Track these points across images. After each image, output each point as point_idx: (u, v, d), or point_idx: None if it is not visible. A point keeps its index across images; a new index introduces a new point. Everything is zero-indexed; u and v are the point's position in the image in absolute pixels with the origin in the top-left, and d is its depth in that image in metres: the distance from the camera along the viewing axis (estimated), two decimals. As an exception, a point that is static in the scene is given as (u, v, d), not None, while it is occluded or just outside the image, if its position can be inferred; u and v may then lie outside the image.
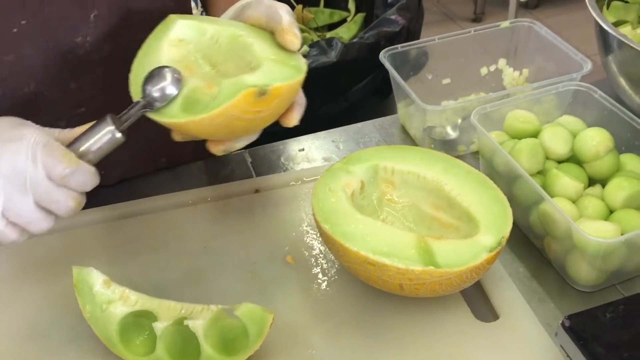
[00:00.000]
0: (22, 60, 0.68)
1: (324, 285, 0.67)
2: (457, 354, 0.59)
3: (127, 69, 0.75)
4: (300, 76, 0.60)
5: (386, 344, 0.61)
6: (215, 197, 0.78)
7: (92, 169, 0.57)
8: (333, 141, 0.90)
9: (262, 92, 0.56)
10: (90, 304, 0.59)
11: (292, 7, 2.00)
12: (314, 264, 0.69)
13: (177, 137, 0.62)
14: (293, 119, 0.63)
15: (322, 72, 1.47)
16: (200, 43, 0.63)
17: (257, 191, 0.79)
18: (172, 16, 0.64)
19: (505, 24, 0.91)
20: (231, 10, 0.66)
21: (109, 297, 0.59)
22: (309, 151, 0.89)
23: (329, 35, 1.94)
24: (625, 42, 0.74)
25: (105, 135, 0.57)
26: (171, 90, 0.58)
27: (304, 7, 2.03)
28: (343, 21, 2.02)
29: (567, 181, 0.67)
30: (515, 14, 2.48)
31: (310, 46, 1.50)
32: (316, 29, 2.02)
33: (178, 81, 0.59)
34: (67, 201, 0.56)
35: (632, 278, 0.67)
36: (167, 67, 0.59)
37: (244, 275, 0.68)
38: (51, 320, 0.64)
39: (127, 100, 0.72)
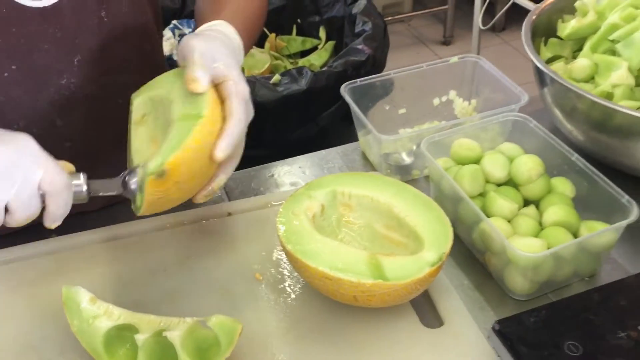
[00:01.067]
0: (12, 101, 0.75)
1: (288, 299, 0.74)
2: (405, 358, 0.67)
3: (109, 107, 0.83)
4: (198, 122, 0.63)
5: (344, 350, 0.68)
6: (190, 221, 0.86)
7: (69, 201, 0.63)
8: (300, 167, 0.98)
9: (160, 174, 0.61)
10: (78, 319, 0.66)
11: (266, 36, 2.10)
12: (280, 280, 0.77)
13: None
14: (221, 149, 0.65)
15: (294, 100, 1.56)
16: (156, 110, 0.70)
17: (229, 214, 0.87)
18: (133, 95, 0.71)
19: (454, 59, 1.00)
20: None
21: (95, 313, 0.67)
22: (278, 177, 0.97)
23: (301, 62, 2.03)
24: (555, 78, 0.84)
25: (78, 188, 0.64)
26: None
27: (276, 35, 2.13)
28: (315, 48, 2.12)
29: (502, 203, 0.76)
30: (478, 38, 2.59)
31: (282, 75, 1.59)
32: (289, 56, 2.11)
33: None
34: (35, 211, 0.61)
35: (562, 287, 0.75)
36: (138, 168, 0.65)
37: (217, 292, 0.76)
38: (42, 335, 0.71)
39: (108, 135, 0.79)
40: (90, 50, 0.78)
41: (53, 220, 0.63)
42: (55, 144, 0.80)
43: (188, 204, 0.91)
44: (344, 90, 0.95)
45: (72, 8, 0.75)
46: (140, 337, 0.65)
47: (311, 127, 1.62)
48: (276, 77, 1.57)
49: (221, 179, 0.71)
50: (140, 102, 0.72)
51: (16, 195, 0.59)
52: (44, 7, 0.73)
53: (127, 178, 0.66)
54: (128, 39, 0.82)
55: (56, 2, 0.74)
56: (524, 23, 0.95)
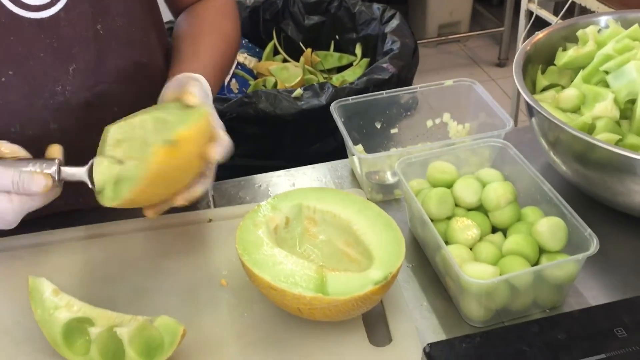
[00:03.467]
0: (8, 105, 0.81)
1: (248, 306, 0.77)
2: (344, 372, 0.68)
3: (103, 114, 0.87)
4: (203, 117, 0.72)
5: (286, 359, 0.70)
6: (172, 224, 0.89)
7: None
8: (289, 180, 1.01)
9: (168, 143, 0.68)
10: (41, 309, 0.71)
11: (302, 51, 2.14)
12: (244, 288, 0.79)
13: (148, 214, 0.75)
14: (213, 154, 0.73)
15: (314, 114, 1.59)
16: (133, 135, 0.75)
17: (210, 220, 0.90)
18: (106, 128, 0.77)
19: (448, 82, 1.01)
20: (165, 89, 0.80)
21: (56, 304, 0.71)
22: (266, 187, 0.99)
23: (335, 78, 2.06)
24: (537, 108, 0.83)
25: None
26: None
27: (314, 50, 2.17)
28: (351, 64, 2.15)
29: (463, 229, 0.76)
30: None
31: (305, 89, 1.62)
32: (324, 71, 2.15)
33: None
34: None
35: (521, 317, 0.75)
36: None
37: (182, 294, 0.79)
38: (14, 320, 0.76)
39: (97, 138, 0.84)
40: (85, 60, 0.83)
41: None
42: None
43: (175, 208, 0.96)
44: (334, 107, 0.97)
45: (69, 20, 0.80)
46: (94, 331, 0.69)
47: (330, 142, 1.64)
48: (298, 91, 1.60)
49: (198, 189, 0.75)
50: (115, 129, 0.76)
51: None
52: (42, 18, 0.78)
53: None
54: (124, 51, 0.86)
55: (54, 14, 0.79)
56: (518, 51, 0.95)
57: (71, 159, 0.86)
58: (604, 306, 0.66)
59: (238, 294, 0.79)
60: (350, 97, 0.99)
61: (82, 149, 0.89)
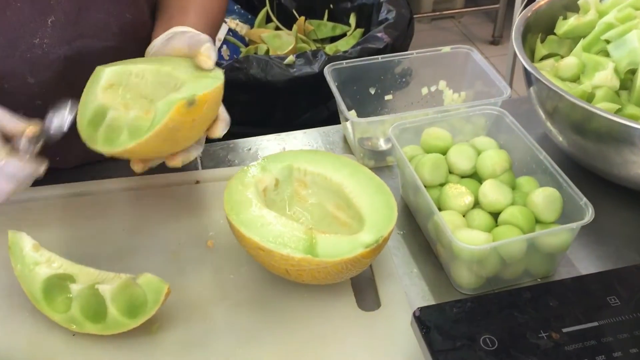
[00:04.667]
0: None
1: (233, 268, 0.75)
2: (332, 334, 0.67)
3: (82, 70, 0.83)
4: (220, 82, 0.69)
5: (274, 323, 0.69)
6: (158, 185, 0.87)
7: (20, 164, 0.65)
8: (279, 144, 0.99)
9: (190, 102, 0.65)
10: (21, 264, 0.69)
11: (295, 19, 2.10)
12: (230, 249, 0.77)
13: (136, 168, 0.72)
14: (217, 131, 0.72)
15: (306, 82, 1.56)
16: (129, 83, 0.72)
17: (197, 182, 0.88)
18: (98, 67, 0.73)
19: (446, 49, 0.99)
20: (158, 41, 0.76)
21: (36, 260, 0.69)
22: (256, 151, 0.97)
23: (328, 47, 2.03)
24: (537, 75, 0.81)
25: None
26: (66, 125, 0.68)
27: (308, 19, 2.13)
28: (344, 35, 2.11)
29: (458, 195, 0.75)
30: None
31: (297, 56, 1.59)
32: (317, 41, 2.11)
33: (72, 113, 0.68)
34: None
35: (512, 286, 0.74)
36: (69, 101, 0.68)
37: (167, 255, 0.77)
38: (-8, 277, 0.74)
39: (79, 96, 0.81)
40: (65, 12, 0.78)
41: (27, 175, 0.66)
42: (26, 102, 0.82)
43: (162, 169, 0.93)
44: (327, 71, 0.94)
45: None
46: (75, 287, 0.67)
47: (322, 110, 1.61)
48: (290, 58, 1.57)
49: (194, 152, 0.73)
50: (110, 72, 0.73)
51: None
52: None
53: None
54: (107, 5, 0.82)
55: None
56: (517, 19, 0.93)
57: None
58: (597, 275, 0.65)
59: (224, 255, 0.77)
60: (344, 61, 0.96)
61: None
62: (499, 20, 3.29)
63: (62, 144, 0.78)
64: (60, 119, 0.68)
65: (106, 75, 0.72)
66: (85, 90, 0.73)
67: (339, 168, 0.76)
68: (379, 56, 0.97)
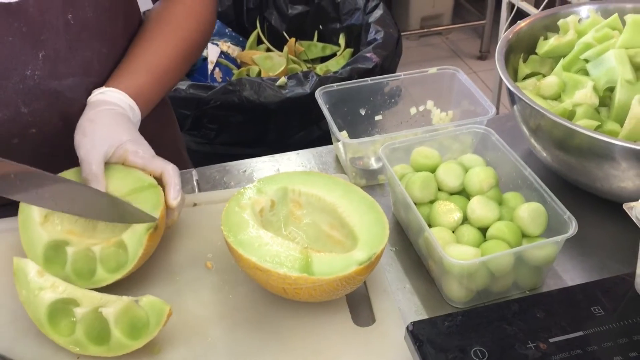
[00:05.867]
0: None
1: (232, 289, 0.77)
2: (328, 351, 0.69)
3: (70, 102, 0.86)
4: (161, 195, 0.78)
5: (272, 340, 0.71)
6: (157, 208, 0.89)
7: None
8: (273, 165, 1.01)
9: (155, 228, 0.75)
10: (26, 290, 0.71)
11: (285, 40, 2.14)
12: (228, 270, 0.80)
13: None
14: (173, 197, 0.78)
15: (298, 102, 1.59)
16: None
17: (194, 205, 0.90)
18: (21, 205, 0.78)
19: (432, 70, 1.02)
20: (106, 147, 0.78)
21: (41, 285, 0.71)
22: (251, 173, 1.00)
23: (319, 67, 2.07)
24: (519, 95, 0.85)
25: None
26: None
27: (298, 40, 2.17)
28: (334, 55, 2.15)
29: (448, 212, 0.77)
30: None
31: (289, 78, 1.63)
32: (308, 61, 2.15)
33: None
34: None
35: (501, 299, 0.76)
36: None
37: (167, 276, 0.79)
38: (-3, 303, 0.76)
39: (73, 127, 0.83)
40: (55, 48, 0.81)
41: None
42: (21, 130, 0.85)
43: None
44: (319, 94, 0.98)
45: (38, 7, 0.78)
46: (79, 311, 0.69)
47: (314, 130, 1.65)
48: (282, 80, 1.61)
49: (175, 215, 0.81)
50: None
51: None
52: (9, 3, 0.76)
53: None
54: (92, 44, 0.85)
55: (21, 0, 0.76)
56: (500, 39, 0.96)
57: (44, 145, 0.86)
58: (581, 286, 0.68)
59: (223, 276, 0.79)
60: (335, 84, 0.99)
61: (53, 134, 0.88)
62: (485, 35, 3.35)
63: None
64: None
65: (36, 210, 0.77)
66: (20, 225, 0.78)
67: (332, 188, 0.78)
68: (368, 78, 1.01)
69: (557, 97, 0.91)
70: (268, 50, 2.19)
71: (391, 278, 0.80)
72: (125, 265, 0.74)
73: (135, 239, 0.74)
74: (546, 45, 0.97)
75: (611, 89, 0.86)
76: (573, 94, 0.87)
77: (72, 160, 0.80)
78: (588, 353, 0.60)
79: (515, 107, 0.91)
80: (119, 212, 0.75)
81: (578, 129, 0.78)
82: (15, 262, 0.72)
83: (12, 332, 0.73)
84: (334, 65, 2.05)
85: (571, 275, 0.80)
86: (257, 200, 0.77)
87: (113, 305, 0.69)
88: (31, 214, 0.77)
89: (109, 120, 0.80)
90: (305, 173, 0.83)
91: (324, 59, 2.18)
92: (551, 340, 0.61)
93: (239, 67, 2.12)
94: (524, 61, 1.00)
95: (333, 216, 0.77)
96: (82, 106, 0.83)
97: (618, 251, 0.82)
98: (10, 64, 0.79)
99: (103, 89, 0.83)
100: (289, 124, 1.62)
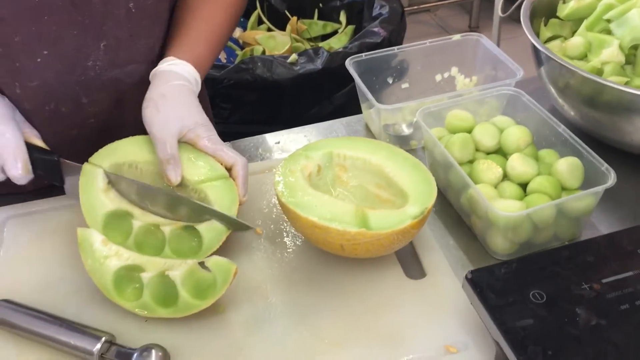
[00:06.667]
0: (45, 85, 0.81)
1: (284, 251, 0.80)
2: (386, 304, 0.72)
3: (131, 91, 0.88)
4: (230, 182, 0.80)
5: (330, 296, 0.74)
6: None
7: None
8: (305, 135, 1.04)
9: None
10: (91, 259, 0.73)
11: (285, 19, 2.15)
12: (278, 234, 0.83)
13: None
14: (241, 196, 0.80)
15: (310, 78, 1.61)
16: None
17: (234, 176, 0.93)
18: (86, 166, 0.80)
19: (456, 37, 1.05)
20: (179, 127, 0.79)
21: (106, 253, 0.73)
22: (284, 144, 1.02)
23: (321, 45, 2.08)
24: (549, 55, 0.88)
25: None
26: None
27: (298, 18, 2.18)
28: (335, 32, 2.17)
29: (488, 170, 0.81)
30: (499, 27, 2.62)
31: (299, 55, 1.64)
32: (310, 39, 2.16)
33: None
34: None
35: (542, 250, 0.80)
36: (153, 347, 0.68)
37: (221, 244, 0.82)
38: (60, 275, 0.78)
39: (128, 116, 0.85)
40: (116, 37, 0.82)
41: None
42: (80, 121, 0.87)
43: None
44: (349, 63, 1.00)
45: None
46: (145, 276, 0.72)
47: (326, 106, 1.67)
48: (293, 57, 1.62)
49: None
50: (103, 172, 0.80)
51: None
52: None
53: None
54: (154, 30, 0.86)
55: None
56: (524, 3, 0.99)
57: (101, 134, 0.87)
58: (625, 231, 0.71)
59: (273, 240, 0.82)
60: (363, 54, 1.02)
61: (107, 121, 0.90)
62: (474, 10, 3.37)
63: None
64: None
65: (101, 176, 0.79)
66: (81, 189, 0.79)
67: (376, 151, 0.81)
68: (395, 47, 1.03)
69: (582, 57, 0.94)
70: (269, 30, 2.20)
71: (435, 236, 0.83)
72: (199, 253, 0.75)
73: (213, 234, 0.76)
74: (567, 8, 1.00)
75: (635, 47, 0.89)
76: (599, 53, 0.90)
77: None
78: (639, 290, 0.63)
79: (542, 68, 0.94)
80: (227, 222, 0.77)
81: (610, 84, 0.81)
82: (80, 233, 0.74)
83: (75, 302, 0.75)
84: (337, 43, 2.07)
85: (606, 226, 0.84)
86: (305, 166, 0.79)
87: (179, 269, 0.72)
88: (95, 180, 0.78)
89: (183, 98, 0.80)
90: (348, 138, 0.85)
91: (324, 37, 2.20)
92: (604, 281, 0.64)
93: (242, 48, 2.13)
94: (545, 25, 1.03)
95: (380, 176, 0.80)
96: (140, 92, 0.82)
97: (648, 202, 0.86)
98: (74, 58, 0.80)
99: (173, 59, 0.83)
100: (302, 101, 1.64)
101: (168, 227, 0.75)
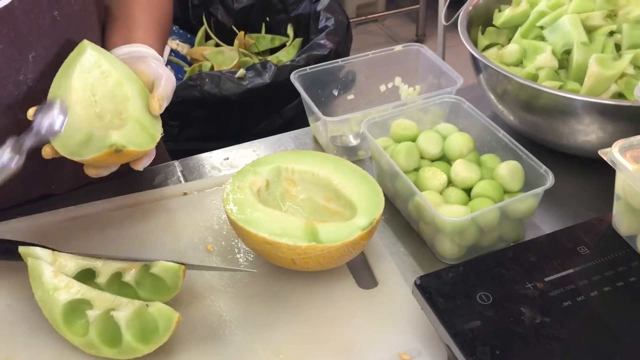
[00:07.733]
0: None
1: (235, 267, 0.80)
2: (340, 315, 0.73)
3: None
4: (151, 146, 0.78)
5: (284, 310, 0.74)
6: (149, 200, 0.91)
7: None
8: (254, 150, 1.04)
9: (118, 150, 0.74)
10: (41, 290, 0.71)
11: (232, 34, 2.16)
12: (230, 251, 0.83)
13: (91, 173, 0.78)
14: (140, 165, 0.80)
15: (258, 92, 1.62)
16: (92, 75, 0.80)
17: (185, 194, 0.92)
18: (84, 43, 0.80)
19: (398, 47, 1.07)
20: (124, 50, 0.82)
21: (56, 285, 0.71)
22: (233, 159, 1.03)
23: (269, 59, 2.09)
24: (487, 63, 0.91)
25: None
26: (58, 125, 0.72)
27: (246, 33, 2.19)
28: (283, 46, 2.18)
29: (433, 177, 0.83)
30: (443, 35, 2.68)
31: (247, 69, 1.65)
32: (258, 53, 2.17)
33: (65, 113, 0.74)
34: None
35: (488, 252, 0.82)
36: (57, 99, 0.73)
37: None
38: (5, 303, 0.77)
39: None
40: (45, 47, 0.81)
41: None
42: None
43: (148, 186, 0.97)
44: (294, 77, 1.01)
45: (23, 9, 0.77)
46: (92, 313, 0.70)
47: (276, 119, 1.68)
48: (241, 72, 1.63)
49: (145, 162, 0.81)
50: (88, 57, 0.81)
51: None
52: None
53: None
54: (81, 36, 0.85)
55: (7, 4, 0.76)
56: (461, 13, 1.02)
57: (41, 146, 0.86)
58: (565, 230, 0.74)
59: (224, 257, 0.82)
60: (308, 67, 1.03)
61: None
62: (420, 19, 3.44)
63: (56, 172, 0.81)
64: (50, 120, 0.73)
65: (45, 264, 0.75)
66: (66, 63, 0.79)
67: (323, 164, 0.82)
68: (339, 59, 1.05)
69: (518, 64, 0.97)
70: (217, 45, 2.20)
71: (385, 244, 0.84)
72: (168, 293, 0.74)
73: (170, 273, 0.74)
74: (502, 17, 1.03)
75: (568, 52, 0.93)
76: (534, 59, 0.93)
77: (67, 163, 0.81)
78: (580, 287, 0.66)
79: (481, 75, 0.97)
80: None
81: (544, 89, 0.84)
82: (30, 262, 0.73)
83: (25, 329, 0.73)
84: (285, 56, 2.08)
85: (548, 226, 0.86)
86: (254, 181, 0.80)
87: (124, 309, 0.70)
88: (42, 272, 0.73)
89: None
90: (295, 152, 0.86)
91: (273, 50, 2.21)
92: (546, 279, 0.67)
93: (190, 64, 2.12)
94: (482, 33, 1.06)
95: (328, 189, 0.81)
96: None
97: (587, 200, 0.90)
98: (4, 72, 0.79)
99: (132, 46, 0.86)
100: (251, 115, 1.65)
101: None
